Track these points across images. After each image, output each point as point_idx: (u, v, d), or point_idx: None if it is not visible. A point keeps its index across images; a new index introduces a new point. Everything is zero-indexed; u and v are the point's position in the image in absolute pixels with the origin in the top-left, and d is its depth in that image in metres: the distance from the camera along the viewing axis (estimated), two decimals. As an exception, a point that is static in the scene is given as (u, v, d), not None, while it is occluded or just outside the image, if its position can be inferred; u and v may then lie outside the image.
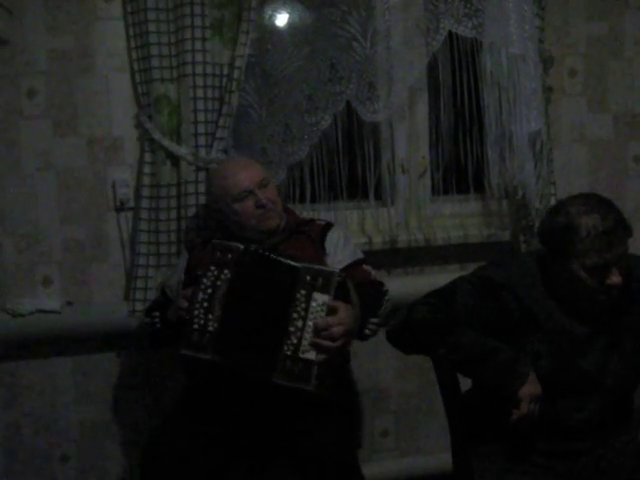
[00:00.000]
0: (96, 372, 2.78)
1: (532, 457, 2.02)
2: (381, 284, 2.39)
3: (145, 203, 2.66)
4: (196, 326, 2.09)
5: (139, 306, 2.64)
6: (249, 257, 2.11)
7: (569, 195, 2.00)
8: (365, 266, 2.41)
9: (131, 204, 2.73)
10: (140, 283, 2.67)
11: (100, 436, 2.82)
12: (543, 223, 2.01)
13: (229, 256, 2.12)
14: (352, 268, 2.35)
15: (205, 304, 2.10)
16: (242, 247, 2.12)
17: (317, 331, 2.00)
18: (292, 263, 2.08)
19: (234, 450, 2.22)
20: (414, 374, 3.00)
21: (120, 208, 2.73)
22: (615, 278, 1.88)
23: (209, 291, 2.11)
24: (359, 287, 2.22)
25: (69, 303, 2.71)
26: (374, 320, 2.27)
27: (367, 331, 2.26)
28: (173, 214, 2.65)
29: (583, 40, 3.08)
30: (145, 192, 2.66)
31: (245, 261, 2.11)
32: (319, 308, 2.02)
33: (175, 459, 2.15)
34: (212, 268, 2.12)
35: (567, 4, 3.04)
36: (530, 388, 1.90)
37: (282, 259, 2.10)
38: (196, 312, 2.10)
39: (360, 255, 2.44)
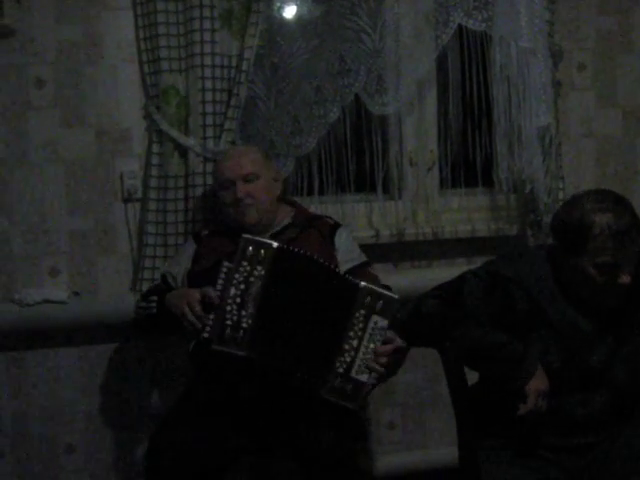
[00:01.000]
0: (102, 362, 2.79)
1: (539, 451, 2.02)
2: (389, 288, 2.38)
3: (153, 194, 2.66)
4: (229, 322, 2.08)
5: (146, 297, 2.63)
6: (289, 256, 2.11)
7: (583, 190, 2.00)
8: (371, 269, 2.41)
9: (139, 195, 2.73)
10: (147, 274, 2.67)
11: (106, 427, 2.82)
12: (556, 216, 2.00)
13: (262, 252, 2.10)
14: (360, 270, 2.34)
15: (238, 300, 2.09)
16: (276, 245, 2.12)
17: (377, 355, 2.03)
18: (351, 279, 2.10)
19: (240, 443, 2.22)
20: (420, 367, 3.00)
21: (128, 199, 2.73)
22: (625, 278, 1.88)
23: (242, 287, 2.09)
24: None
25: (76, 293, 2.71)
26: None
27: None
28: (181, 205, 2.65)
29: (593, 35, 3.07)
30: (153, 183, 2.66)
31: (283, 260, 2.10)
32: (377, 331, 2.04)
33: (181, 451, 2.14)
34: (244, 264, 2.09)
35: (577, -2, 3.03)
36: (537, 383, 1.90)
37: (333, 266, 2.13)
38: (228, 307, 2.08)
39: (365, 258, 2.44)
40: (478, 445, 2.07)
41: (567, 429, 2.01)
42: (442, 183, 3.02)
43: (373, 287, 2.09)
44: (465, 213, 3.04)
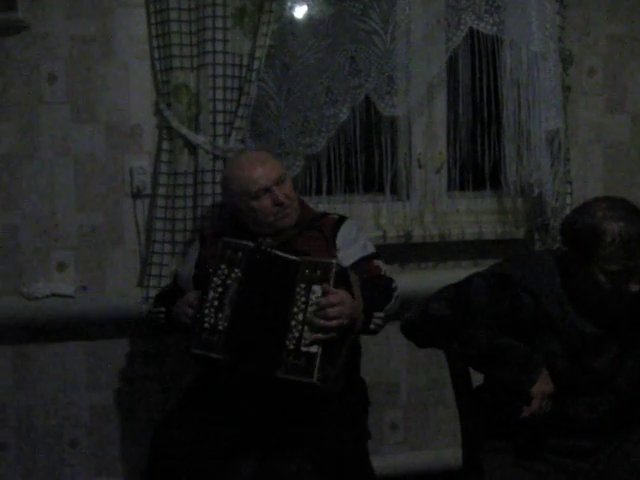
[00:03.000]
0: (108, 357, 2.80)
1: (542, 454, 2.02)
2: (391, 280, 2.36)
3: (162, 191, 2.67)
4: (206, 325, 2.08)
5: (153, 293, 2.63)
6: (259, 256, 2.11)
7: (596, 196, 1.99)
8: (376, 261, 2.38)
9: (148, 191, 2.74)
10: (155, 270, 2.68)
11: (110, 421, 2.84)
12: (567, 221, 1.99)
13: (239, 254, 2.11)
14: (363, 262, 2.33)
15: (215, 303, 2.09)
16: (252, 245, 2.12)
17: (318, 310, 2.01)
18: (291, 257, 2.09)
19: (243, 439, 2.23)
20: (424, 368, 3.00)
21: (137, 195, 2.74)
22: (634, 286, 1.88)
23: (219, 290, 2.10)
24: (367, 281, 2.23)
25: (83, 288, 2.72)
26: (379, 314, 2.22)
27: (372, 326, 2.22)
28: (189, 202, 2.66)
29: (603, 40, 3.06)
30: (162, 180, 2.67)
31: (255, 260, 2.10)
32: (318, 299, 2.03)
33: (184, 446, 2.15)
34: (222, 267, 2.11)
35: (588, 3, 3.02)
36: (542, 386, 1.90)
37: (282, 254, 2.10)
38: (206, 311, 2.09)
39: (371, 250, 2.41)
40: (482, 446, 2.08)
41: (571, 433, 2.01)
42: (450, 185, 3.02)
43: (309, 259, 2.08)
44: (472, 216, 3.04)
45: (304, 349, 2.01)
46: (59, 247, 2.72)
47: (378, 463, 2.86)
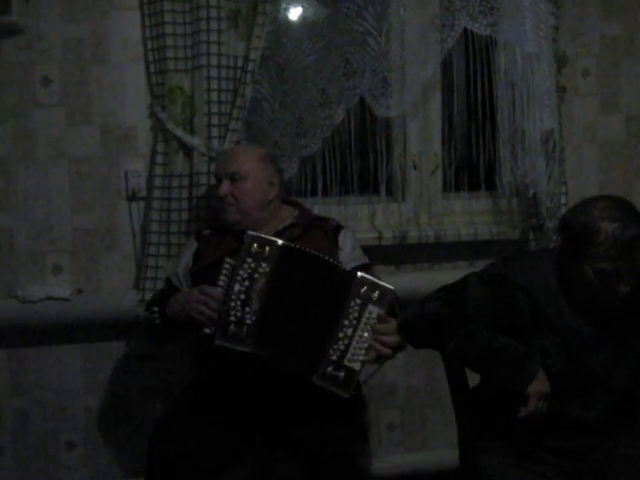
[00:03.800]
0: (104, 360, 2.80)
1: (539, 454, 2.02)
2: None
3: (157, 193, 2.67)
4: (233, 318, 2.08)
5: (149, 295, 2.63)
6: (294, 254, 2.12)
7: (596, 195, 2.00)
8: (372, 271, 2.38)
9: (143, 194, 2.74)
10: (150, 272, 2.68)
11: (107, 424, 2.83)
12: (565, 216, 2.00)
13: (267, 249, 2.11)
14: (364, 269, 2.32)
15: (242, 296, 2.09)
16: (281, 242, 2.13)
17: (376, 334, 2.04)
18: (325, 257, 2.11)
19: (240, 441, 2.23)
20: (421, 369, 3.01)
21: (132, 197, 2.74)
22: (623, 287, 1.88)
23: (246, 283, 2.10)
24: None
25: (79, 291, 2.72)
26: None
27: None
28: (185, 204, 2.66)
29: (597, 40, 3.08)
30: (157, 182, 2.67)
31: (288, 257, 2.11)
32: (372, 321, 2.05)
33: (182, 448, 2.15)
34: (249, 260, 2.10)
35: (582, 4, 3.03)
36: (539, 385, 1.90)
37: (316, 253, 2.12)
38: (232, 304, 2.09)
39: (367, 260, 2.44)
40: (479, 447, 2.07)
41: (567, 432, 2.01)
42: (445, 186, 3.03)
43: (369, 277, 2.10)
44: (468, 216, 3.05)
45: (347, 364, 2.04)
46: (54, 250, 2.72)
47: (376, 464, 2.90)
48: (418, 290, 2.37)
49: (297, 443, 2.19)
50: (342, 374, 2.04)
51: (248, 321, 2.08)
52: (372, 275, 2.35)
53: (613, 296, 1.90)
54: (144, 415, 2.80)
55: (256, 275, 2.10)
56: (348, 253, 2.38)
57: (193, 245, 2.46)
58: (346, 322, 2.06)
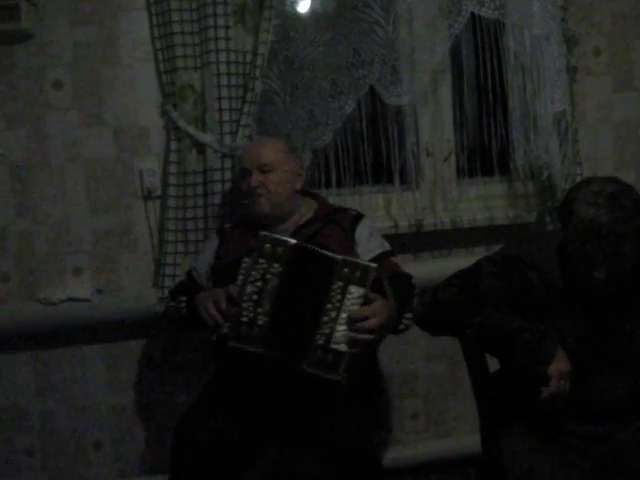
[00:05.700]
0: (127, 358, 2.83)
1: (563, 438, 2.01)
2: (410, 277, 2.38)
3: (172, 191, 2.69)
4: (245, 319, 2.08)
5: (168, 293, 2.64)
6: (302, 253, 2.10)
7: (599, 177, 1.98)
8: (393, 258, 2.40)
9: (158, 192, 2.76)
10: (168, 270, 2.70)
11: (132, 422, 2.86)
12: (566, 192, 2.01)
13: (279, 249, 2.10)
14: (381, 260, 2.33)
15: (254, 297, 2.09)
16: (293, 242, 2.12)
17: (352, 321, 2.02)
18: (330, 255, 2.08)
19: (263, 433, 2.24)
20: (442, 357, 3.01)
21: (147, 197, 2.76)
22: (597, 273, 1.87)
23: (258, 284, 2.09)
24: (392, 281, 2.23)
25: (99, 291, 2.75)
26: (408, 315, 2.25)
27: (402, 326, 2.26)
28: (200, 201, 2.67)
29: (607, 18, 3.05)
30: (172, 180, 2.69)
31: (296, 256, 2.09)
32: (354, 301, 2.03)
33: (206, 442, 2.16)
34: (261, 261, 2.09)
35: (591, -18, 3.01)
36: (559, 365, 1.90)
37: (321, 251, 2.10)
38: (245, 305, 2.09)
39: (388, 247, 2.43)
40: (501, 432, 2.07)
41: (589, 416, 2.00)
42: (459, 172, 3.02)
43: (350, 259, 2.07)
44: (483, 201, 3.04)
45: (333, 346, 2.03)
46: (73, 252, 2.74)
47: (399, 452, 2.90)
48: (436, 277, 2.36)
49: (315, 436, 2.19)
50: (329, 357, 2.02)
51: (260, 322, 2.08)
52: (392, 262, 2.37)
53: (590, 280, 1.89)
54: (168, 412, 2.82)
55: (268, 276, 2.09)
56: (364, 245, 2.37)
57: (215, 241, 2.47)
58: (329, 306, 2.03)
